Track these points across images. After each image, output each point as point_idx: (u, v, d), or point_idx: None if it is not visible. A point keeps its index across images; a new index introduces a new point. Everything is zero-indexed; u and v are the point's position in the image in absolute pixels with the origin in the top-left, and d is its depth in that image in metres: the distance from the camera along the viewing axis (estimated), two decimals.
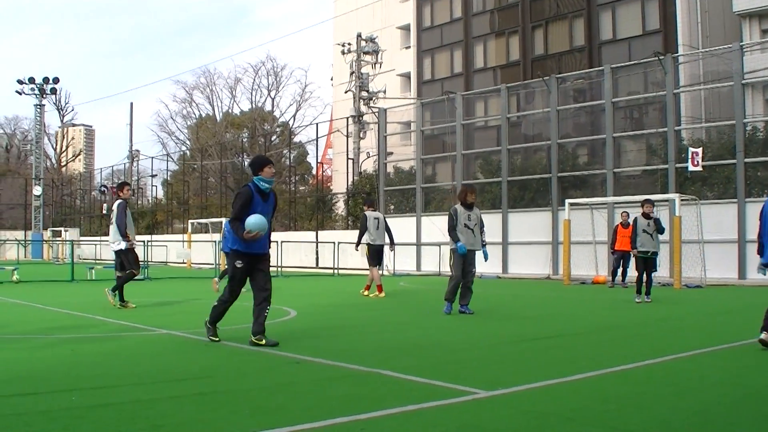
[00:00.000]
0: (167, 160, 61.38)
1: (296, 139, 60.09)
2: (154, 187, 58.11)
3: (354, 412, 4.77)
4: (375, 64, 40.96)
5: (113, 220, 13.13)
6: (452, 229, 12.06)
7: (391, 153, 36.21)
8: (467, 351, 7.94)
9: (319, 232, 36.85)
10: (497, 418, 4.80)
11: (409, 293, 18.54)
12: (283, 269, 28.52)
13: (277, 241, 29.85)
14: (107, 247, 52.31)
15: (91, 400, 5.25)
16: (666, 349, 7.93)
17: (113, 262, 13.41)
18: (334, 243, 29.88)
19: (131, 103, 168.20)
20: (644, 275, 14.92)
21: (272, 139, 62.20)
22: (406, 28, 49.44)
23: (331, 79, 56.41)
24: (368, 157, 41.04)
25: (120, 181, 16.26)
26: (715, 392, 5.78)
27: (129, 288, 13.81)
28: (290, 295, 17.02)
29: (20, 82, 55.94)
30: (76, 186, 67.69)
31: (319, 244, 35.40)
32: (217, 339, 8.31)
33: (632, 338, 9.28)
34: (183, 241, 41.59)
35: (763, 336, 7.67)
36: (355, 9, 53.49)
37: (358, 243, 16.34)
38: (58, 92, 64.00)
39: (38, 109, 57.85)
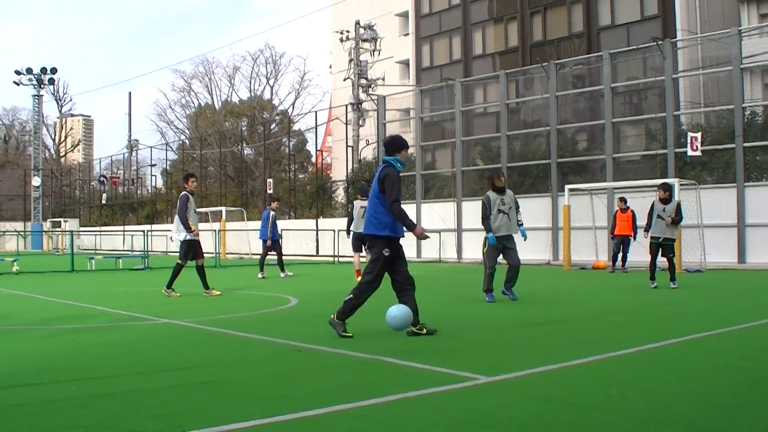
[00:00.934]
0: (166, 150, 61.38)
1: (295, 127, 60.02)
2: (153, 177, 58.09)
3: (356, 399, 4.78)
4: (374, 51, 40.89)
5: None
6: (485, 219, 11.77)
7: None
8: (468, 337, 7.94)
9: (319, 219, 36.87)
10: (499, 403, 4.80)
11: None
12: (283, 257, 28.46)
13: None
14: (107, 237, 52.45)
15: (93, 389, 5.26)
16: (668, 333, 7.93)
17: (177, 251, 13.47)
18: (334, 231, 29.89)
19: (129, 93, 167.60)
20: (657, 260, 14.33)
21: (271, 127, 62.09)
22: (404, 15, 49.26)
23: (330, 67, 56.30)
24: (368, 145, 40.98)
25: (186, 173, 16.31)
26: (718, 376, 5.77)
27: (141, 278, 13.81)
28: (291, 282, 17.05)
29: (18, 72, 55.86)
30: (75, 176, 67.65)
31: (319, 231, 35.42)
32: (350, 335, 7.61)
33: (634, 323, 9.27)
34: None
35: None
36: None
37: (348, 231, 16.97)
38: (56, 82, 63.87)
39: (36, 100, 57.80)
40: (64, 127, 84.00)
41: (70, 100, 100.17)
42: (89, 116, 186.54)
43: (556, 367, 5.96)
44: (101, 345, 7.46)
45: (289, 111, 66.21)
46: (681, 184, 21.42)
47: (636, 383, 5.37)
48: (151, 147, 58.78)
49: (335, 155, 51.86)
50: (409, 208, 31.81)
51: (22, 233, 50.34)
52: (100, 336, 8.17)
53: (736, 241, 23.11)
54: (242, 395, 5.00)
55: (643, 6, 35.30)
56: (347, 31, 41.09)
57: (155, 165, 58.44)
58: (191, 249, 13.24)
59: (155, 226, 45.10)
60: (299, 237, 35.68)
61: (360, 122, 40.03)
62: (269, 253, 19.56)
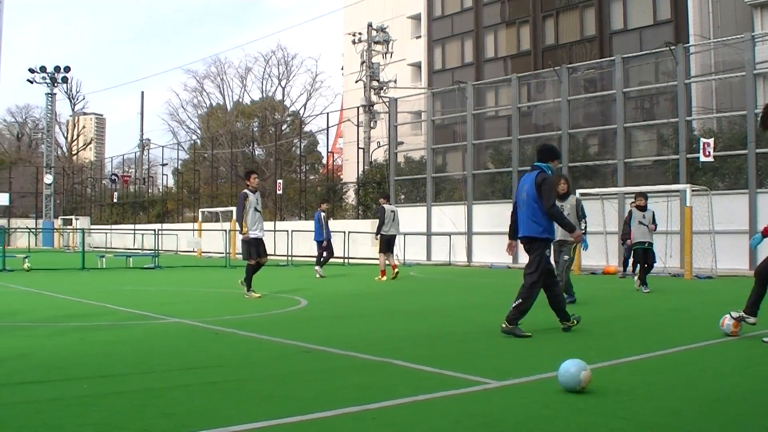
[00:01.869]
0: (178, 149, 61.51)
1: (307, 129, 60.15)
2: (164, 176, 58.31)
3: (364, 402, 4.77)
4: (386, 53, 40.90)
5: None
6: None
7: (402, 142, 36.14)
8: (478, 341, 7.93)
9: (330, 221, 36.86)
10: (508, 407, 4.79)
11: (420, 282, 18.53)
12: (294, 258, 28.56)
13: (287, 231, 29.97)
14: (118, 235, 52.52)
15: (101, 388, 5.27)
16: (677, 340, 7.91)
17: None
18: (344, 232, 29.88)
19: (142, 92, 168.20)
20: (645, 265, 15.08)
21: (283, 128, 62.22)
22: (416, 18, 49.28)
23: (342, 69, 56.31)
24: (379, 147, 40.98)
25: (247, 169, 16.23)
26: (726, 382, 5.75)
27: (151, 276, 13.83)
28: (300, 284, 17.05)
29: (32, 70, 56.13)
30: (86, 174, 67.93)
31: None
32: (529, 334, 7.87)
33: (643, 328, 9.25)
34: (193, 230, 41.72)
35: None
36: None
37: (378, 233, 18.40)
38: (69, 81, 64.22)
39: (49, 98, 58.03)
40: (76, 125, 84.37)
41: (83, 99, 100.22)
42: (101, 115, 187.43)
43: None
44: (110, 343, 7.48)
45: (301, 112, 66.36)
46: (693, 190, 21.34)
47: (644, 389, 5.36)
48: (162, 146, 59.15)
49: (346, 157, 51.87)
50: (419, 211, 31.84)
51: (34, 230, 50.54)
52: (109, 334, 8.19)
53: (748, 248, 23.00)
54: (250, 396, 5.01)
55: (656, 10, 35.21)
56: (359, 33, 41.12)
57: (166, 164, 58.74)
58: (252, 247, 13.18)
59: (166, 225, 45.20)
60: (309, 238, 35.63)
61: (371, 124, 40.05)
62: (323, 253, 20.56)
